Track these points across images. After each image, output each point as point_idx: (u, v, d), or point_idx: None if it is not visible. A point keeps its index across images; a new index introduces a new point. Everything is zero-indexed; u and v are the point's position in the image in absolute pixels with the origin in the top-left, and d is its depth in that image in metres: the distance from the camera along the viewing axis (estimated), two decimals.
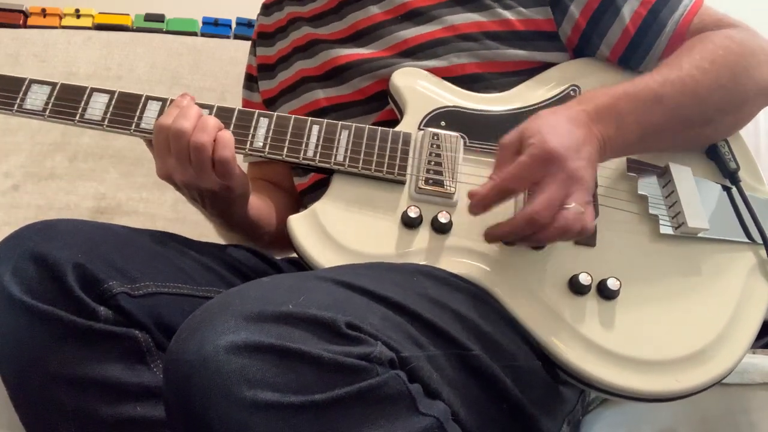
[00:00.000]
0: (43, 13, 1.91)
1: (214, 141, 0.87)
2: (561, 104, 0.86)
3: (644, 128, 0.87)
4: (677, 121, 0.89)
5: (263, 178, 1.19)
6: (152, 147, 0.91)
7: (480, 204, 0.81)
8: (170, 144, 0.87)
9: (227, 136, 0.88)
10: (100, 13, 1.91)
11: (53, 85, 0.95)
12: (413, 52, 1.02)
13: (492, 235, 0.85)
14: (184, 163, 0.87)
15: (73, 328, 0.77)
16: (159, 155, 0.89)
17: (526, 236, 0.81)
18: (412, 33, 1.03)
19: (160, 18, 1.91)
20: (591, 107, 0.85)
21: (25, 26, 1.89)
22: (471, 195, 0.81)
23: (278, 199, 1.13)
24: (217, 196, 0.92)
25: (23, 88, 0.94)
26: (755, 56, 0.92)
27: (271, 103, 1.16)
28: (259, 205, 1.05)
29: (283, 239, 0.95)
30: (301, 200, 1.12)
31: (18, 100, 0.94)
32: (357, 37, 1.08)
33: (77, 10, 1.91)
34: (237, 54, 1.62)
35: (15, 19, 1.88)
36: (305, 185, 1.09)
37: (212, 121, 0.88)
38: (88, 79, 1.57)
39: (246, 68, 1.27)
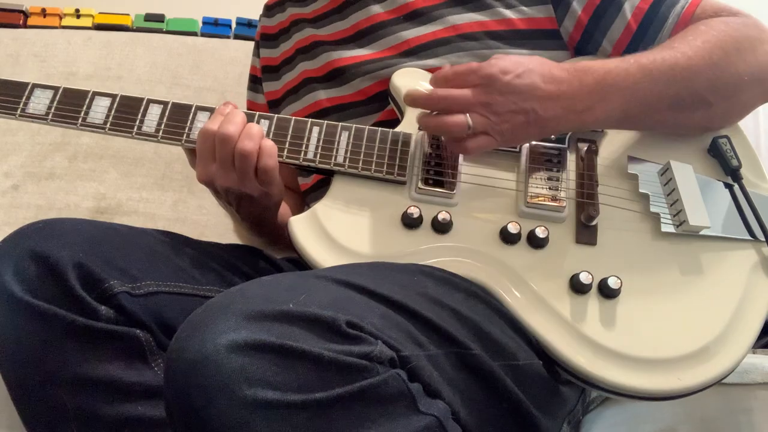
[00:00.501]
0: (43, 13, 1.91)
1: (259, 149, 0.87)
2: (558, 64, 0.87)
3: (629, 103, 0.86)
4: (666, 97, 0.88)
5: None
6: (191, 153, 0.93)
7: (413, 96, 0.88)
8: (215, 149, 0.88)
9: (270, 144, 0.89)
10: (100, 13, 1.91)
11: (56, 89, 0.95)
12: (415, 52, 1.02)
13: (410, 96, 0.88)
14: (228, 169, 0.88)
15: (73, 328, 0.77)
16: (201, 160, 0.90)
17: (427, 118, 0.86)
18: (414, 33, 1.04)
19: (160, 18, 1.91)
20: (575, 77, 0.85)
21: (25, 26, 1.89)
22: (407, 93, 0.88)
23: (290, 201, 1.13)
24: (254, 202, 0.93)
25: (26, 92, 0.95)
26: (750, 40, 0.91)
27: (275, 104, 1.17)
28: (284, 210, 1.06)
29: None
30: (305, 200, 1.12)
31: (21, 105, 0.94)
32: (358, 38, 1.08)
33: (77, 10, 1.91)
34: (237, 54, 1.62)
35: (15, 19, 1.88)
36: (308, 185, 1.09)
37: (257, 129, 0.88)
38: (88, 79, 1.57)
39: (250, 70, 1.28)
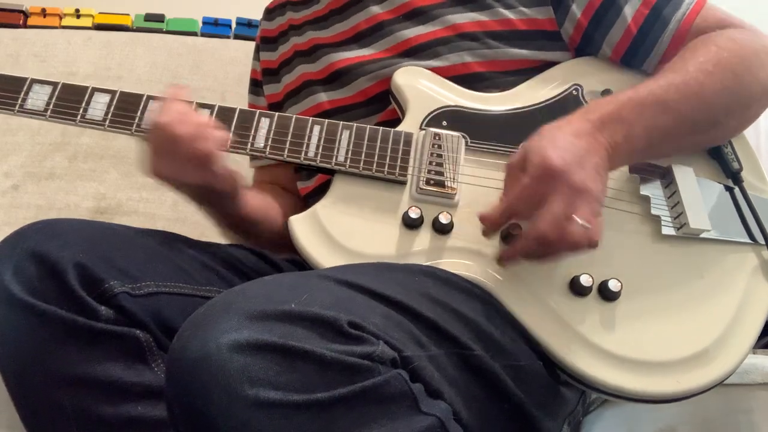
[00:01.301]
0: (43, 13, 1.91)
1: (201, 136, 0.87)
2: (564, 115, 0.86)
3: (651, 133, 0.86)
4: (684, 124, 0.88)
5: (271, 181, 1.19)
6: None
7: (490, 228, 0.84)
8: (154, 138, 0.88)
9: (213, 129, 0.89)
10: (100, 13, 1.91)
11: (54, 84, 0.95)
12: (415, 52, 1.02)
13: (505, 258, 0.85)
14: (170, 159, 0.88)
15: (73, 328, 0.77)
16: (147, 151, 0.90)
17: (536, 255, 0.81)
18: (414, 33, 1.03)
19: (160, 18, 1.91)
20: (595, 117, 0.84)
21: (25, 26, 1.89)
22: (482, 219, 0.83)
23: (285, 202, 1.13)
24: (203, 192, 0.92)
25: (24, 87, 0.94)
26: (759, 57, 0.92)
27: (277, 107, 1.17)
28: (259, 205, 1.05)
29: (290, 241, 0.95)
30: (306, 203, 1.12)
31: (19, 100, 0.94)
32: (359, 38, 1.08)
33: (77, 10, 1.91)
34: (237, 54, 1.62)
35: (15, 19, 1.88)
36: (310, 188, 1.09)
37: (198, 119, 0.89)
38: (88, 79, 1.57)
39: (251, 73, 1.28)
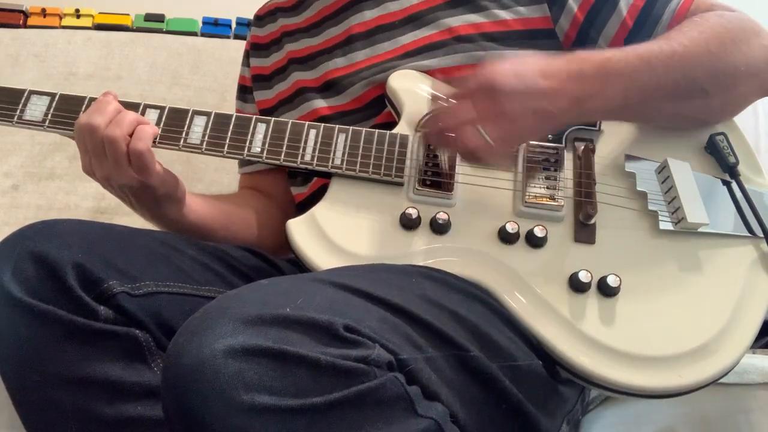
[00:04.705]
0: (43, 13, 1.91)
1: (132, 136, 0.87)
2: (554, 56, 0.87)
3: (629, 91, 0.86)
4: (665, 85, 0.88)
5: (255, 188, 1.18)
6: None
7: (431, 132, 0.87)
8: (86, 140, 0.88)
9: (145, 129, 0.89)
10: (100, 13, 1.92)
11: (52, 95, 0.95)
12: (410, 56, 1.02)
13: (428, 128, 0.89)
14: (101, 158, 0.88)
15: (73, 328, 0.77)
16: (80, 152, 0.91)
17: (438, 134, 0.86)
18: (410, 37, 1.03)
19: (160, 18, 1.91)
20: (575, 67, 0.84)
21: (25, 26, 1.90)
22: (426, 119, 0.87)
23: (266, 210, 1.13)
24: (139, 194, 0.92)
25: (23, 99, 0.95)
26: (744, 32, 0.92)
27: (268, 113, 1.16)
28: (215, 212, 1.04)
29: (268, 248, 0.98)
30: (302, 210, 1.11)
31: (18, 112, 0.94)
32: (351, 42, 1.08)
33: (77, 10, 1.92)
34: (237, 54, 1.61)
35: (15, 19, 1.88)
36: (304, 195, 1.08)
37: (130, 116, 0.89)
38: (88, 79, 1.57)
39: (239, 79, 1.26)
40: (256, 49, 1.22)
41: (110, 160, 0.87)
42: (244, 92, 1.24)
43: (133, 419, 0.78)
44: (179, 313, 0.84)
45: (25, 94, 0.95)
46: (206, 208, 1.03)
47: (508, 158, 0.92)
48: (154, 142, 0.91)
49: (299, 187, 1.10)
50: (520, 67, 0.83)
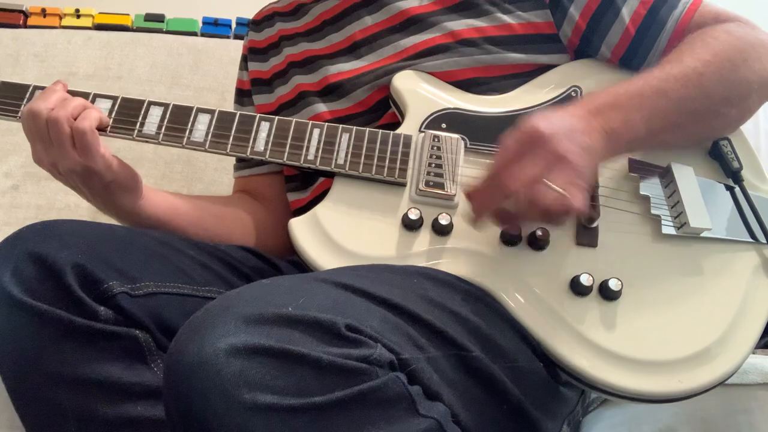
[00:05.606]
0: (43, 13, 1.91)
1: (76, 119, 0.88)
2: (562, 106, 0.86)
3: (651, 121, 0.86)
4: (684, 113, 0.88)
5: (249, 191, 1.18)
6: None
7: (478, 208, 0.80)
8: (31, 126, 0.89)
9: (91, 111, 0.89)
10: (100, 13, 1.91)
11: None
12: (413, 59, 1.02)
13: (475, 211, 0.81)
14: (46, 143, 0.88)
15: (73, 328, 0.77)
16: (29, 141, 0.91)
17: (504, 215, 0.80)
18: (412, 41, 1.03)
19: (160, 18, 1.91)
20: (591, 105, 0.84)
21: (25, 26, 1.89)
22: (468, 195, 0.80)
23: (255, 213, 1.12)
24: (86, 181, 0.91)
25: (27, 94, 0.95)
26: (755, 49, 0.92)
27: None
28: (175, 207, 1.02)
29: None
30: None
31: (22, 107, 0.94)
32: (355, 49, 1.08)
33: (77, 10, 1.91)
34: (237, 54, 1.60)
35: (15, 19, 1.88)
36: (305, 201, 1.07)
37: (76, 101, 0.89)
38: (88, 79, 1.57)
39: (237, 83, 1.25)
40: (254, 54, 1.22)
41: (54, 143, 0.88)
42: (241, 95, 1.23)
43: (133, 419, 0.78)
44: (179, 313, 0.84)
45: (30, 89, 0.96)
46: (172, 203, 1.02)
47: (591, 207, 0.88)
48: (154, 140, 0.90)
49: (299, 192, 1.09)
50: (549, 115, 0.80)
